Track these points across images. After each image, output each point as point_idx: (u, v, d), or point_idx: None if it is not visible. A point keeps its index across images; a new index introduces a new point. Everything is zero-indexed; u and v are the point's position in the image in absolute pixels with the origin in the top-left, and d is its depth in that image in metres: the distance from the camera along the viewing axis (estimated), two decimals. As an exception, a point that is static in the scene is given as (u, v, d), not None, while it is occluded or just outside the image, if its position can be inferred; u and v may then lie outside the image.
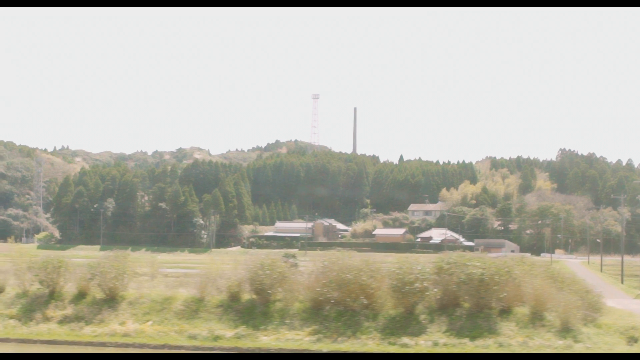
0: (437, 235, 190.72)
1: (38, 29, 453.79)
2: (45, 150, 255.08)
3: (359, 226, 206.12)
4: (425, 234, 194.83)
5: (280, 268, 51.50)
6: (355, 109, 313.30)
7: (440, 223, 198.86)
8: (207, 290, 51.86)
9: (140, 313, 51.10)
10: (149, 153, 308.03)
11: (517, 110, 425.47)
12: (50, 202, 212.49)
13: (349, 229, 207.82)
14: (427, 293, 49.30)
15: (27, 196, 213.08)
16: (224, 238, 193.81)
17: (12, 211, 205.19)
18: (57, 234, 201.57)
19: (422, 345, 46.58)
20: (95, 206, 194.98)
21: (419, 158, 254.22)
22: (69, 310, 51.60)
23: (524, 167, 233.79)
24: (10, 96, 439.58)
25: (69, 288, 53.58)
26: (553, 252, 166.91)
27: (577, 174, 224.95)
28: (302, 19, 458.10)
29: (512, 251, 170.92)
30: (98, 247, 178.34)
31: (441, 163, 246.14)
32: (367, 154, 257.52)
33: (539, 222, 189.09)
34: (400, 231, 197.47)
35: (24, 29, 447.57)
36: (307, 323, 49.31)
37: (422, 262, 52.49)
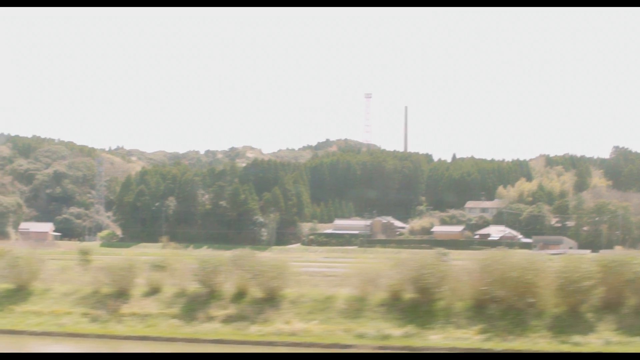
0: (495, 232, 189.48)
1: (89, 30, 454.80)
2: (104, 150, 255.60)
3: (416, 223, 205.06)
4: (483, 231, 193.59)
5: (443, 266, 50.65)
6: (406, 107, 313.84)
7: (497, 220, 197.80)
8: (367, 289, 50.97)
9: (303, 312, 50.41)
10: (202, 152, 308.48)
11: (570, 108, 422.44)
12: (111, 200, 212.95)
13: (406, 226, 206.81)
14: (594, 291, 48.18)
15: (88, 195, 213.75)
16: (284, 235, 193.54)
17: (74, 210, 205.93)
18: (118, 232, 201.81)
19: (593, 344, 45.60)
20: (156, 204, 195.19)
21: (472, 156, 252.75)
22: (231, 310, 51.00)
23: (578, 165, 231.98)
24: (70, 97, 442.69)
25: (228, 287, 52.86)
26: (612, 249, 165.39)
27: (632, 171, 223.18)
28: (353, 18, 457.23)
29: (571, 248, 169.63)
30: (160, 245, 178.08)
31: (495, 161, 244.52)
32: (419, 153, 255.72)
33: (596, 219, 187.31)
34: (458, 228, 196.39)
35: (76, 30, 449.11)
36: (472, 322, 48.48)
37: (587, 261, 51.37)
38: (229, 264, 53.04)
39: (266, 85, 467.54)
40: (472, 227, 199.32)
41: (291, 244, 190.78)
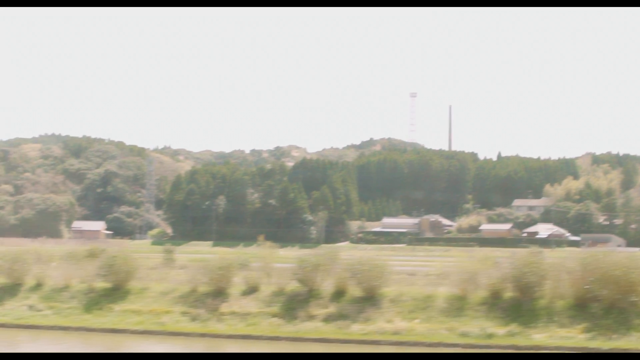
0: (543, 230, 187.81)
1: (126, 30, 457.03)
2: (152, 149, 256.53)
3: (464, 222, 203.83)
4: (531, 229, 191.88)
5: (544, 265, 49.98)
6: (450, 106, 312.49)
7: (544, 218, 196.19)
8: (467, 287, 50.38)
9: (405, 311, 49.99)
10: (247, 151, 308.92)
11: (616, 105, 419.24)
12: (161, 199, 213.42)
13: (454, 224, 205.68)
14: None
15: (138, 194, 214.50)
16: (332, 234, 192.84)
17: (124, 208, 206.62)
18: (169, 230, 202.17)
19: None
20: (206, 203, 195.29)
21: (517, 154, 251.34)
22: (332, 309, 50.63)
23: (624, 163, 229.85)
24: (118, 97, 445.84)
25: (326, 286, 52.45)
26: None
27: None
28: (398, 18, 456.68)
29: (619, 246, 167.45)
30: (210, 243, 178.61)
31: (541, 159, 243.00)
32: (464, 151, 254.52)
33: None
34: (506, 226, 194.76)
35: (112, 31, 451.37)
36: (575, 320, 47.94)
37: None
38: (327, 263, 52.53)
39: (312, 85, 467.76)
40: (520, 225, 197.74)
41: (340, 242, 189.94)
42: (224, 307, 51.70)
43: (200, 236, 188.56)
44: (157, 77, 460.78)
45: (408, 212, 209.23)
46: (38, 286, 55.89)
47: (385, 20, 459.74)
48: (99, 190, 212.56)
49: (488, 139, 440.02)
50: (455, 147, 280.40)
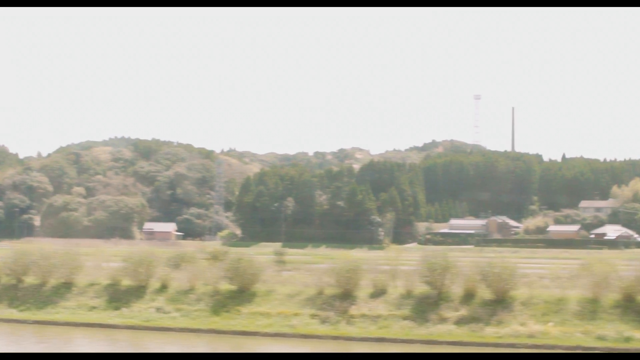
0: (611, 231, 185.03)
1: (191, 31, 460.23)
2: (219, 152, 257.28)
3: (530, 223, 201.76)
4: (599, 231, 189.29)
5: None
6: (513, 108, 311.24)
7: (612, 220, 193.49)
8: (599, 290, 49.31)
9: (538, 314, 49.18)
10: (311, 153, 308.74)
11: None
12: (230, 201, 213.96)
13: (521, 225, 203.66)
14: None
15: (207, 196, 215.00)
16: (400, 235, 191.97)
17: (194, 210, 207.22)
18: (238, 231, 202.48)
19: None
20: (275, 205, 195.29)
21: (581, 156, 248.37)
22: (463, 311, 49.88)
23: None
24: (186, 100, 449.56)
25: (455, 289, 51.68)
26: None
27: None
28: (461, 20, 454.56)
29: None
30: (279, 244, 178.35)
31: (607, 160, 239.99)
32: (529, 153, 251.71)
33: None
34: (574, 228, 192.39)
35: (178, 32, 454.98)
36: None
37: None
38: (456, 265, 51.77)
39: (375, 87, 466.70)
40: (587, 226, 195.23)
41: (407, 243, 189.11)
42: (353, 310, 51.22)
43: (269, 237, 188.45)
44: (223, 80, 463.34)
45: (474, 214, 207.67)
46: (163, 288, 55.81)
47: (451, 22, 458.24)
48: (168, 192, 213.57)
49: (552, 140, 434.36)
50: (518, 149, 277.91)
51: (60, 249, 59.75)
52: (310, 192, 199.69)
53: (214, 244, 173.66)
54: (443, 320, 49.38)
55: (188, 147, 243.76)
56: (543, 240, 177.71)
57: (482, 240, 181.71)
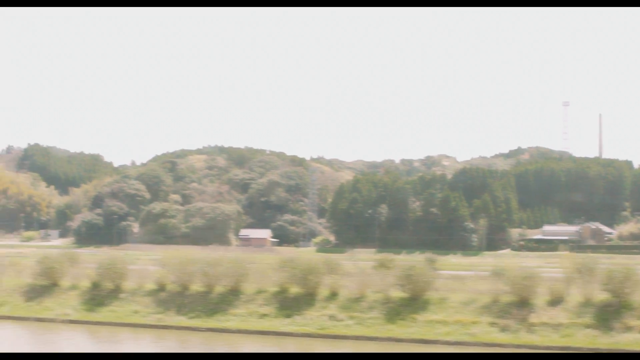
0: None
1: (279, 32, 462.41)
2: (308, 159, 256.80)
3: (624, 229, 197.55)
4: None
5: None
6: (600, 114, 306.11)
7: None
8: None
9: None
10: (397, 161, 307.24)
11: None
12: (323, 207, 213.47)
13: (614, 231, 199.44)
14: None
15: (300, 203, 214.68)
16: (493, 241, 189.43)
17: (287, 217, 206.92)
18: (331, 238, 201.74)
19: None
20: (369, 212, 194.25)
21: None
22: (652, 320, 47.85)
23: None
24: (277, 108, 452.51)
25: (636, 297, 49.68)
26: None
27: None
28: (549, 23, 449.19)
29: None
30: (373, 250, 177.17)
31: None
32: (619, 159, 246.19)
33: None
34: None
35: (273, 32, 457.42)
36: None
37: None
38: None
39: (461, 93, 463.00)
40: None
41: (501, 249, 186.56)
42: (533, 318, 49.54)
43: (363, 243, 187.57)
44: (311, 88, 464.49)
45: (566, 220, 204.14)
46: (333, 296, 54.71)
47: (541, 26, 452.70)
48: (262, 199, 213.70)
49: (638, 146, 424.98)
50: (605, 155, 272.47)
51: (226, 257, 58.89)
52: (403, 199, 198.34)
53: (308, 250, 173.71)
54: (628, 328, 47.50)
55: (280, 155, 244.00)
56: (638, 247, 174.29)
57: (576, 246, 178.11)
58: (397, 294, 53.83)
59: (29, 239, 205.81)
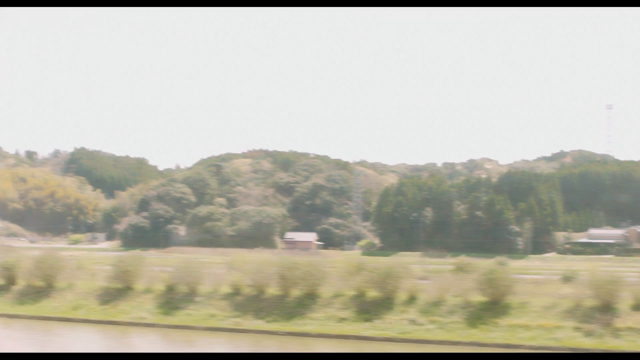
0: None
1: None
2: (351, 162, 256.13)
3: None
4: None
5: None
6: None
7: None
8: None
9: None
10: (439, 164, 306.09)
11: None
12: (367, 211, 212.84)
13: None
14: None
15: (344, 206, 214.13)
16: (539, 244, 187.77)
17: (332, 220, 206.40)
18: (376, 241, 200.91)
19: None
20: (414, 215, 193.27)
21: None
22: None
23: None
24: (321, 112, 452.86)
25: None
26: None
27: None
28: (591, 27, 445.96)
29: None
30: (418, 253, 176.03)
31: None
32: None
33: None
34: None
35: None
36: None
37: None
38: None
39: (502, 96, 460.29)
40: None
41: (546, 252, 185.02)
42: (618, 323, 48.55)
43: (408, 247, 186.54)
44: (353, 92, 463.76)
45: (612, 223, 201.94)
46: (411, 300, 54.00)
47: (586, 28, 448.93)
48: (307, 202, 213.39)
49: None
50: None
51: (302, 260, 58.40)
52: (448, 202, 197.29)
53: (354, 254, 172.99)
54: None
55: (324, 159, 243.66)
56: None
57: (622, 250, 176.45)
58: (476, 298, 53.04)
59: (76, 241, 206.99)
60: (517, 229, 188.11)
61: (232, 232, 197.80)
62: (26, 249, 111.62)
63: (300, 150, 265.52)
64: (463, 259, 71.34)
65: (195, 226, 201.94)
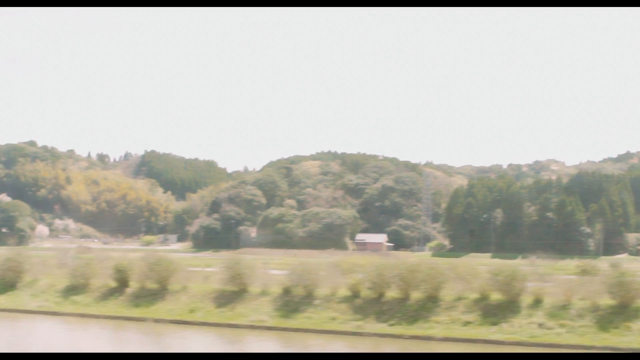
0: None
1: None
2: (419, 164, 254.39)
3: None
4: None
5: None
6: None
7: None
8: None
9: None
10: (504, 166, 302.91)
11: None
12: (436, 212, 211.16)
13: None
14: None
15: (414, 207, 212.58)
16: (610, 246, 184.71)
17: (402, 221, 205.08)
18: (446, 242, 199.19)
19: None
20: (484, 216, 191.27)
21: None
22: None
23: None
24: (388, 115, 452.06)
25: None
26: None
27: None
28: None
29: None
30: (489, 254, 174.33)
31: None
32: None
33: None
34: None
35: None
36: None
37: None
38: None
39: (568, 98, 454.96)
40: None
41: (618, 254, 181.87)
42: None
43: (478, 248, 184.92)
44: (422, 94, 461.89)
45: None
46: (537, 303, 52.45)
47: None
48: (377, 204, 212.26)
49: None
50: None
51: (423, 263, 57.21)
52: (518, 203, 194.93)
53: (424, 255, 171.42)
54: None
55: (394, 161, 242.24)
56: None
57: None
58: (604, 301, 51.34)
59: (149, 243, 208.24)
60: (588, 230, 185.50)
61: (303, 233, 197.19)
62: (103, 251, 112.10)
63: (368, 152, 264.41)
64: (588, 261, 69.33)
65: (266, 228, 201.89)
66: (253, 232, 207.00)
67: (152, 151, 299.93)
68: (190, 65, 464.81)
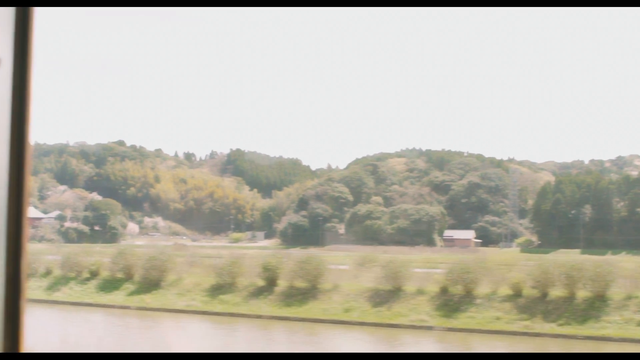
0: None
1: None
2: (502, 160, 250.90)
3: None
4: None
5: None
6: None
7: None
8: None
9: None
10: (586, 161, 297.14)
11: None
12: (523, 208, 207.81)
13: None
14: None
15: (500, 204, 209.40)
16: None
17: (488, 218, 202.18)
18: (533, 239, 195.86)
19: None
20: (572, 212, 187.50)
21: None
22: None
23: None
24: (473, 111, 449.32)
25: None
26: None
27: None
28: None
29: None
30: (578, 250, 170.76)
31: None
32: None
33: None
34: None
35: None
36: None
37: None
38: None
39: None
40: None
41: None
42: None
43: (567, 244, 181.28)
44: (502, 90, 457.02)
45: None
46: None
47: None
48: (463, 200, 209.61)
49: None
50: None
51: (590, 260, 55.29)
52: (607, 199, 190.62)
53: (512, 251, 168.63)
54: None
55: (479, 157, 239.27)
56: None
57: None
58: None
59: (237, 240, 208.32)
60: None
61: (391, 230, 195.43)
62: (197, 248, 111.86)
63: (453, 148, 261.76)
64: None
65: (354, 225, 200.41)
66: (341, 229, 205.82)
67: (238, 149, 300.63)
68: (274, 64, 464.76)
